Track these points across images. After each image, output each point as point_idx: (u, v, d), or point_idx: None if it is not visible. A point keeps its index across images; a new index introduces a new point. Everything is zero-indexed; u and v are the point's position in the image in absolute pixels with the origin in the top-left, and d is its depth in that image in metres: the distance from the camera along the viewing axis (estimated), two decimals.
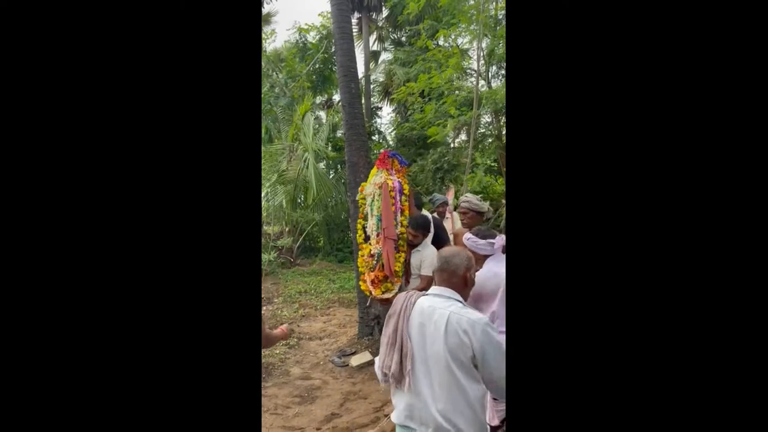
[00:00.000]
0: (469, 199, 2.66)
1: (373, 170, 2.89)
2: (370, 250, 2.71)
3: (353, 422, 2.63)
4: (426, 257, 2.60)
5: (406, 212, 2.74)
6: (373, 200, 2.73)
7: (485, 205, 2.67)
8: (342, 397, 2.98)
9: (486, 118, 7.39)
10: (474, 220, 2.61)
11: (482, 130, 7.34)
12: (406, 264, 2.79)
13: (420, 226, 2.63)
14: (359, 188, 2.91)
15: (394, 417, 1.32)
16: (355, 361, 3.54)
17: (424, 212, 3.23)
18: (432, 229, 2.72)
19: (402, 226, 2.69)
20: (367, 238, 2.78)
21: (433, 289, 1.35)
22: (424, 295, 1.35)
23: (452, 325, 1.21)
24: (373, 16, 11.12)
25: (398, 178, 2.82)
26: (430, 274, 2.46)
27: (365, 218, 2.79)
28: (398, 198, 2.71)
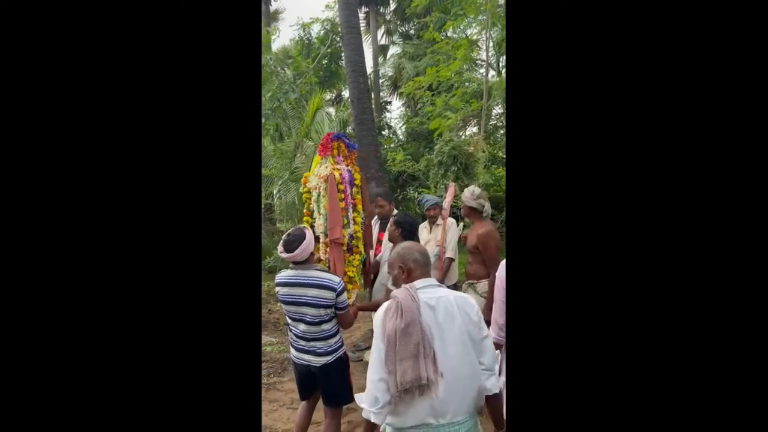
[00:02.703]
0: (465, 191, 2.49)
1: (316, 158, 2.36)
2: (318, 255, 2.26)
3: None
4: None
5: (359, 206, 2.34)
6: (319, 195, 2.26)
7: (477, 202, 2.40)
8: (357, 391, 2.99)
9: (497, 110, 7.31)
10: (468, 214, 2.47)
11: (493, 122, 7.25)
12: (375, 266, 2.43)
13: (407, 230, 2.26)
14: (303, 179, 2.41)
15: (408, 421, 1.27)
16: (369, 355, 3.55)
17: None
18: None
19: (355, 223, 2.30)
20: (316, 239, 2.29)
21: (421, 282, 1.35)
22: (417, 291, 1.32)
23: (461, 307, 1.30)
24: (381, 10, 11.05)
25: (347, 165, 2.35)
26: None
27: (311, 215, 2.34)
28: (348, 191, 2.26)
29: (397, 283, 1.41)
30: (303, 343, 1.96)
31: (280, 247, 1.90)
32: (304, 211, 2.41)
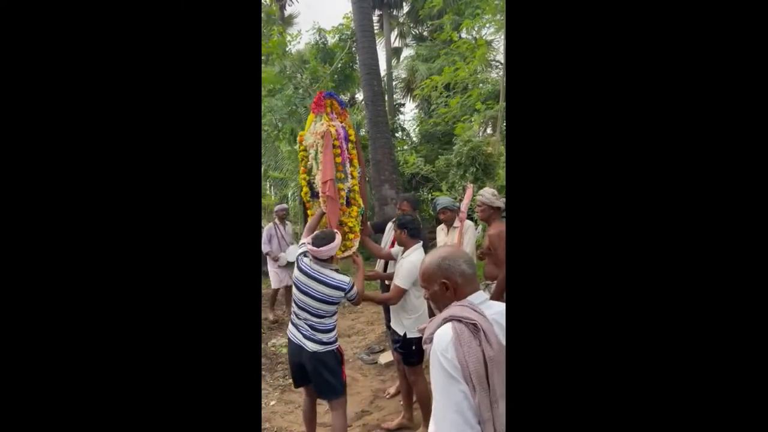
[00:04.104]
0: (483, 192, 2.57)
1: (310, 117, 2.45)
2: (321, 209, 2.36)
3: (384, 419, 2.63)
4: (406, 266, 2.22)
5: (355, 161, 2.46)
6: (317, 152, 2.35)
7: (499, 201, 2.51)
8: (372, 394, 2.98)
9: None
10: (486, 213, 2.53)
11: None
12: (388, 256, 2.58)
13: (413, 229, 2.31)
14: (298, 138, 2.52)
15: None
16: (384, 358, 3.54)
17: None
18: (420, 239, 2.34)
19: (353, 177, 2.41)
20: (315, 195, 2.40)
21: (476, 296, 1.07)
22: (486, 310, 1.04)
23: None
24: (394, 13, 11.08)
25: (340, 122, 2.43)
26: (402, 286, 2.21)
27: (309, 172, 2.44)
28: (344, 146, 2.36)
29: (438, 301, 1.11)
30: (303, 327, 2.08)
31: (309, 240, 2.05)
32: (301, 169, 2.50)
